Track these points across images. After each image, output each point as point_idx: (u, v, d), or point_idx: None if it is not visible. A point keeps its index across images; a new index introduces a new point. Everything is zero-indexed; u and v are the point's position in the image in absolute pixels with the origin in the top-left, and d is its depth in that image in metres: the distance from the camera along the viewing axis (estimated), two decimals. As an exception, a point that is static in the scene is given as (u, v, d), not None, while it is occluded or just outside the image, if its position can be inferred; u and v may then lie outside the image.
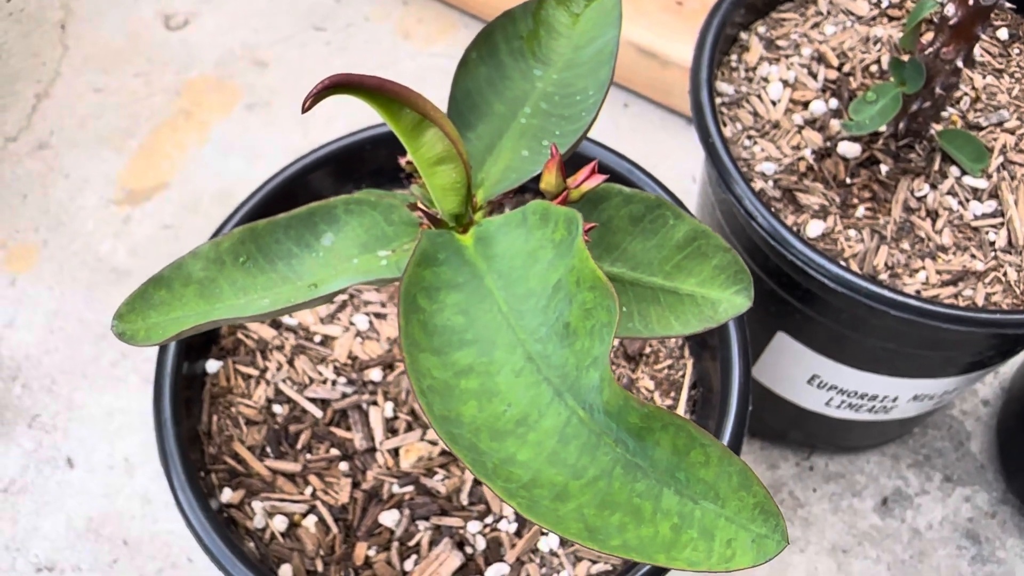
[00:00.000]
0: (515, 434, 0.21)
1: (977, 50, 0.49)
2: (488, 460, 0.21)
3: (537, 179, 0.28)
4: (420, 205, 0.27)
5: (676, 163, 0.73)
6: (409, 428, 0.39)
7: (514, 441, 0.21)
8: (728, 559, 0.18)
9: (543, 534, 0.36)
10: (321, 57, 0.79)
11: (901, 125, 0.45)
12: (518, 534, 0.36)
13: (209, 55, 0.80)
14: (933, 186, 0.45)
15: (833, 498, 0.61)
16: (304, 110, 0.22)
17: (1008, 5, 0.50)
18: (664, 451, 0.20)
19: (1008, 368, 0.64)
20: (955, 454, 0.62)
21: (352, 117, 0.76)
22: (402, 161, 0.27)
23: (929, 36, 0.41)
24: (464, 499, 0.37)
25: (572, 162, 0.37)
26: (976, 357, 0.46)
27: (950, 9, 0.39)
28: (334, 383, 0.40)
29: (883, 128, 0.46)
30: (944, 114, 0.47)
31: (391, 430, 0.39)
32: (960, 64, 0.41)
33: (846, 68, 0.48)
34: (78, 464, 0.62)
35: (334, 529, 0.37)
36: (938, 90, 0.42)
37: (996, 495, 0.60)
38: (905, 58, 0.42)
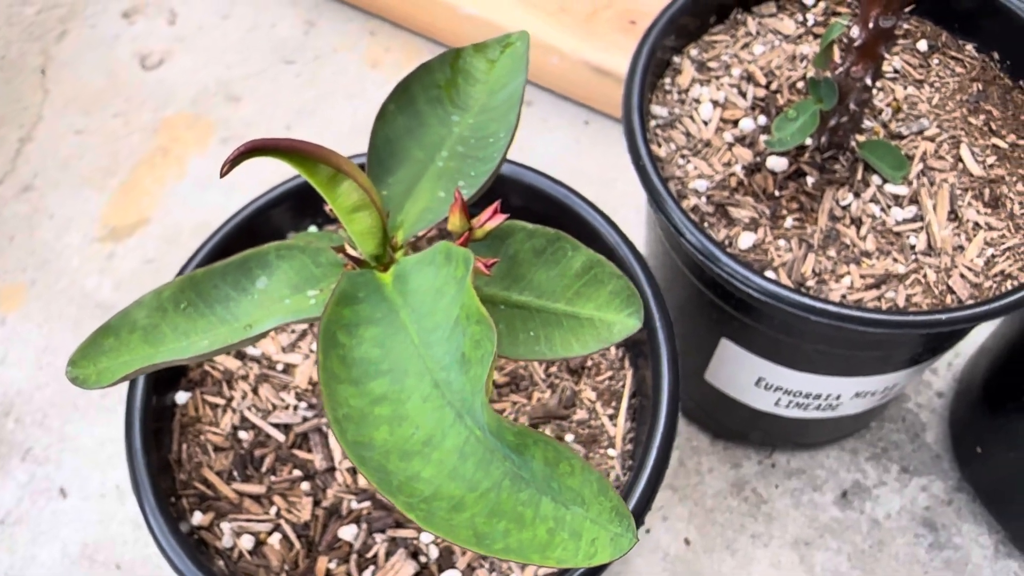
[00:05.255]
0: (421, 454, 0.24)
1: (899, 62, 0.51)
2: (394, 479, 0.23)
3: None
4: (346, 247, 0.30)
5: (635, 177, 0.75)
6: (366, 447, 0.41)
7: (420, 460, 0.24)
8: (592, 556, 0.21)
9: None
10: (292, 89, 0.82)
11: (824, 139, 0.47)
12: (468, 542, 0.39)
13: (184, 92, 0.83)
14: (857, 194, 0.47)
15: (795, 493, 0.63)
16: (222, 175, 0.24)
17: (915, 20, 0.53)
18: (539, 463, 0.22)
19: (960, 360, 0.67)
20: (911, 446, 0.64)
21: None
22: (326, 208, 0.30)
23: (842, 56, 0.44)
24: (418, 512, 0.40)
25: (499, 192, 0.40)
26: (906, 355, 0.48)
27: (855, 31, 0.42)
28: (295, 408, 0.42)
29: (809, 141, 0.48)
30: (867, 125, 0.49)
31: (349, 450, 0.41)
32: (869, 82, 0.43)
33: (773, 86, 0.51)
34: (71, 493, 0.65)
35: (297, 545, 0.39)
36: (852, 106, 0.45)
37: (951, 483, 0.63)
38: (821, 77, 0.45)
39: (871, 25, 0.41)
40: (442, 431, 0.24)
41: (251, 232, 0.46)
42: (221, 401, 0.43)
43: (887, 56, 0.42)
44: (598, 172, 0.76)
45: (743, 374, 0.53)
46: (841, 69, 0.43)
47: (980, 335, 0.66)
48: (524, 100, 0.81)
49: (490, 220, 0.28)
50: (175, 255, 0.74)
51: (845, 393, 0.52)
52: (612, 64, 0.74)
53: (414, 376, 0.25)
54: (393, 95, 0.32)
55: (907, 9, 0.41)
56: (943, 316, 0.41)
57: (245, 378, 0.43)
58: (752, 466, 0.64)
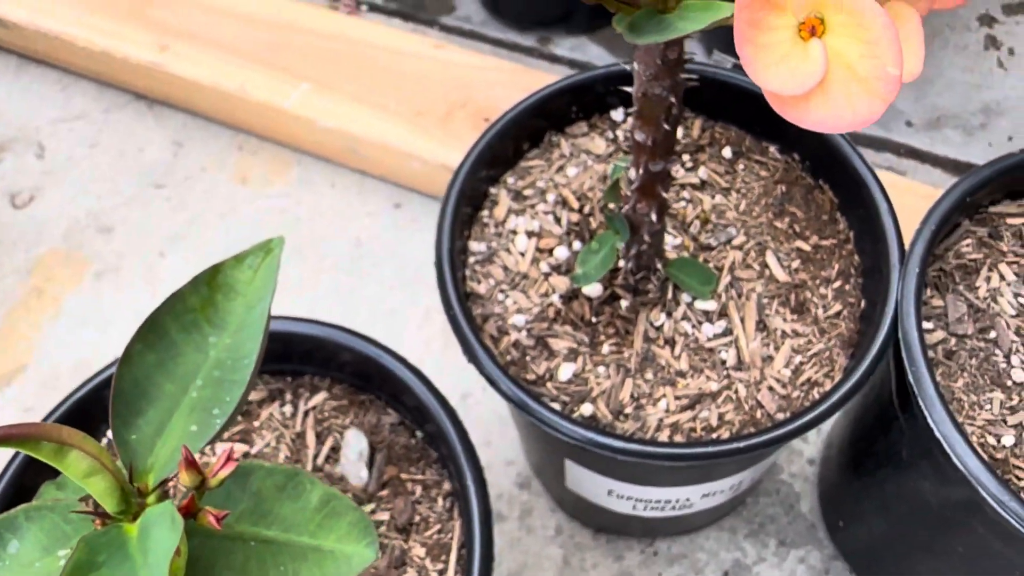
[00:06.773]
0: None
1: (705, 172, 0.53)
2: None
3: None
4: (97, 501, 0.30)
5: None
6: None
7: None
8: None
9: None
10: (163, 214, 0.82)
11: (631, 264, 0.49)
12: None
13: (56, 228, 0.83)
14: (669, 314, 0.49)
15: (678, 579, 0.64)
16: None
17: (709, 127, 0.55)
18: None
19: (828, 425, 0.69)
20: (787, 518, 0.66)
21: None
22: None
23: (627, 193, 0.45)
24: None
25: (325, 354, 0.42)
26: (737, 463, 0.50)
27: (632, 173, 0.44)
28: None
29: (621, 264, 0.50)
30: (677, 242, 0.51)
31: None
32: (655, 218, 0.45)
33: (586, 209, 0.52)
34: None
35: None
36: (647, 238, 0.46)
37: (828, 552, 0.64)
38: (614, 212, 0.46)
39: (641, 171, 0.42)
40: None
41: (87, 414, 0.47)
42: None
43: (667, 194, 0.44)
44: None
45: (595, 487, 0.54)
46: (628, 206, 0.45)
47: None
48: (394, 203, 0.82)
49: (223, 468, 0.29)
50: (54, 400, 0.74)
51: (693, 496, 0.53)
52: (469, 165, 0.75)
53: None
54: (139, 333, 0.32)
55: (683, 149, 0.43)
56: (741, 444, 0.42)
57: None
58: (635, 556, 0.65)
